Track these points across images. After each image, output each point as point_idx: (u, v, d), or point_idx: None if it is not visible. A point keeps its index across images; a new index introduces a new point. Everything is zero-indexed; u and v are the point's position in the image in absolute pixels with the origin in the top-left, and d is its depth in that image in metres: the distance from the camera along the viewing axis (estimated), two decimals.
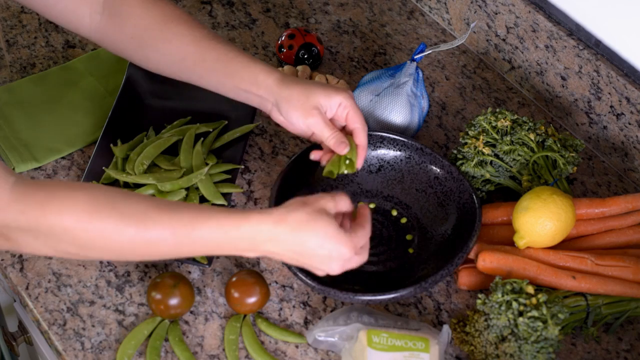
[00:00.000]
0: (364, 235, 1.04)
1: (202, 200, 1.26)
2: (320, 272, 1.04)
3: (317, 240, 1.00)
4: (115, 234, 0.95)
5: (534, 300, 1.08)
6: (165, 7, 1.16)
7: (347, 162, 1.15)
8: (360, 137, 1.15)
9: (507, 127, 1.26)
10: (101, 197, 0.95)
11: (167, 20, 1.15)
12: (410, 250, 1.24)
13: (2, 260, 1.22)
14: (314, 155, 1.18)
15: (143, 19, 1.15)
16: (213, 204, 1.24)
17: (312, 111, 1.12)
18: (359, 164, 1.16)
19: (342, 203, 1.04)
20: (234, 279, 1.17)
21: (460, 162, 1.26)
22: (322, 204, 1.01)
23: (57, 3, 1.14)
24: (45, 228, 0.93)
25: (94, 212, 0.94)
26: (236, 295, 1.15)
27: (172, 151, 1.31)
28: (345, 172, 1.15)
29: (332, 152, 1.17)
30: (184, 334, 1.16)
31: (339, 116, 1.15)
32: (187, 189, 1.25)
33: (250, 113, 1.36)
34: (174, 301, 1.14)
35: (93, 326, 1.16)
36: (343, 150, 1.13)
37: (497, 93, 1.47)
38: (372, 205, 1.28)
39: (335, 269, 1.03)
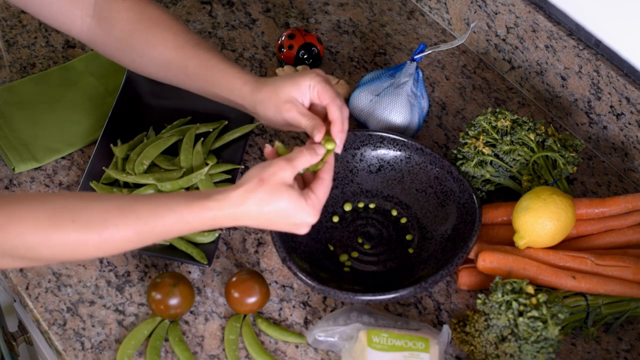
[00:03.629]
0: (324, 192, 1.05)
1: None
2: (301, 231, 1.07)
3: (279, 215, 1.02)
4: (79, 244, 0.97)
5: (534, 300, 1.08)
6: (153, 11, 1.17)
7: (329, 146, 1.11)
8: (332, 112, 1.11)
9: (507, 127, 1.26)
10: (60, 209, 0.97)
11: (153, 25, 1.16)
12: (410, 250, 1.24)
13: None
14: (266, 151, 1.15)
15: (130, 23, 1.16)
16: None
17: (285, 106, 1.11)
18: (339, 143, 1.10)
19: (299, 162, 1.04)
20: (234, 279, 1.17)
21: (460, 162, 1.26)
22: (279, 177, 1.02)
23: (51, 5, 1.16)
24: (8, 249, 0.96)
25: (55, 226, 0.96)
26: (236, 295, 1.15)
27: (172, 151, 1.31)
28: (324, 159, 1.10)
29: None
30: (184, 334, 1.16)
31: (314, 98, 1.13)
32: (187, 189, 1.25)
33: None
34: (174, 301, 1.14)
35: (93, 326, 1.16)
36: (316, 136, 1.09)
37: (497, 93, 1.47)
38: (372, 205, 1.28)
39: (303, 231, 1.06)
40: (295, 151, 1.05)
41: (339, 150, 1.10)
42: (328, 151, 1.08)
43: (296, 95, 1.11)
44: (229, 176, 1.28)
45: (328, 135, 1.10)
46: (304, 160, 1.05)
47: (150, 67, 1.18)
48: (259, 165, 1.03)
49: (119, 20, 1.16)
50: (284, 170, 1.02)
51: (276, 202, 1.01)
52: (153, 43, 1.16)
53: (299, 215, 1.03)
